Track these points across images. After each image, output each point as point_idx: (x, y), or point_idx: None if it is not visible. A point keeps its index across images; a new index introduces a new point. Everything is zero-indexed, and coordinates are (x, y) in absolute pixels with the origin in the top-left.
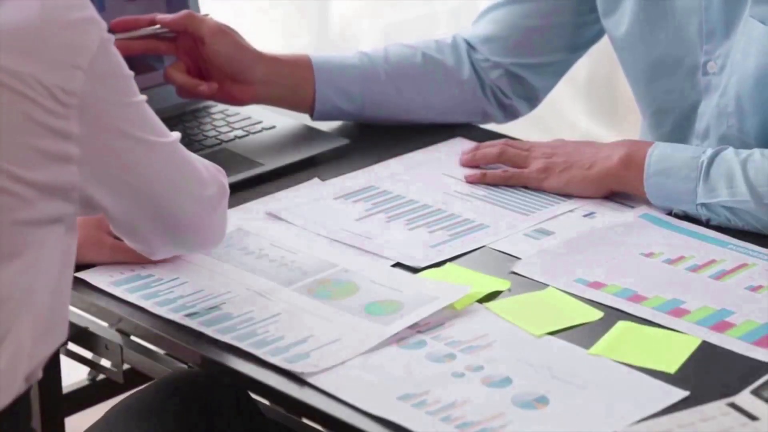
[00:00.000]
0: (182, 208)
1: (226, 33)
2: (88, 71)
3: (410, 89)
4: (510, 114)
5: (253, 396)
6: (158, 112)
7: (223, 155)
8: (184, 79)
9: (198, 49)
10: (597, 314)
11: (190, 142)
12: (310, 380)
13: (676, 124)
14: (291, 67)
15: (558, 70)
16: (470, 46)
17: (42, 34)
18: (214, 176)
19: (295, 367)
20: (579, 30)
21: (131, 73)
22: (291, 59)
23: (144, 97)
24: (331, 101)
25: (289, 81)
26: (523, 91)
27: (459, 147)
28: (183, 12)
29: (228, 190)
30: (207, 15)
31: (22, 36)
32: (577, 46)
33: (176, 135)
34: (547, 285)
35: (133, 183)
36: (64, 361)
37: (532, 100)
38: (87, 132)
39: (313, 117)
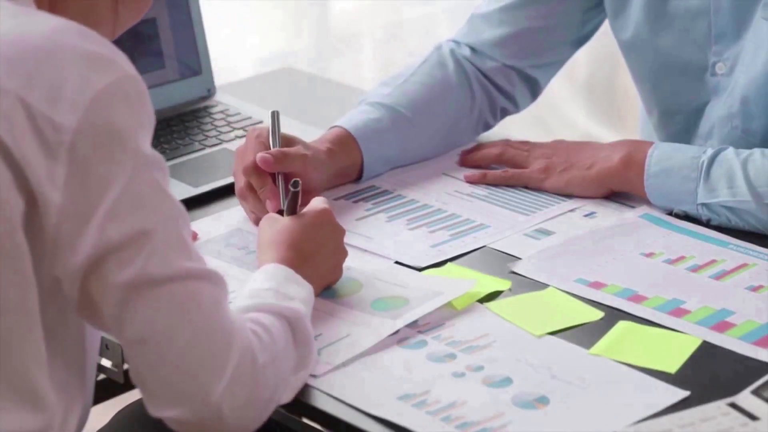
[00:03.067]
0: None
1: (312, 160)
2: (88, 111)
3: (435, 136)
4: (503, 116)
5: None
6: (158, 112)
7: (223, 155)
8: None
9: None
10: (597, 314)
11: (190, 142)
12: (310, 380)
13: (684, 125)
14: (341, 155)
15: (560, 65)
16: (477, 55)
17: (45, 55)
18: (242, 335)
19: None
20: (584, 25)
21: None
22: (339, 147)
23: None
24: (373, 170)
25: (340, 168)
26: (531, 92)
27: (459, 147)
28: (277, 155)
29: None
30: (297, 145)
31: (21, 50)
32: (582, 40)
33: (206, 266)
34: (547, 285)
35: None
36: None
37: (535, 97)
38: (72, 183)
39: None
